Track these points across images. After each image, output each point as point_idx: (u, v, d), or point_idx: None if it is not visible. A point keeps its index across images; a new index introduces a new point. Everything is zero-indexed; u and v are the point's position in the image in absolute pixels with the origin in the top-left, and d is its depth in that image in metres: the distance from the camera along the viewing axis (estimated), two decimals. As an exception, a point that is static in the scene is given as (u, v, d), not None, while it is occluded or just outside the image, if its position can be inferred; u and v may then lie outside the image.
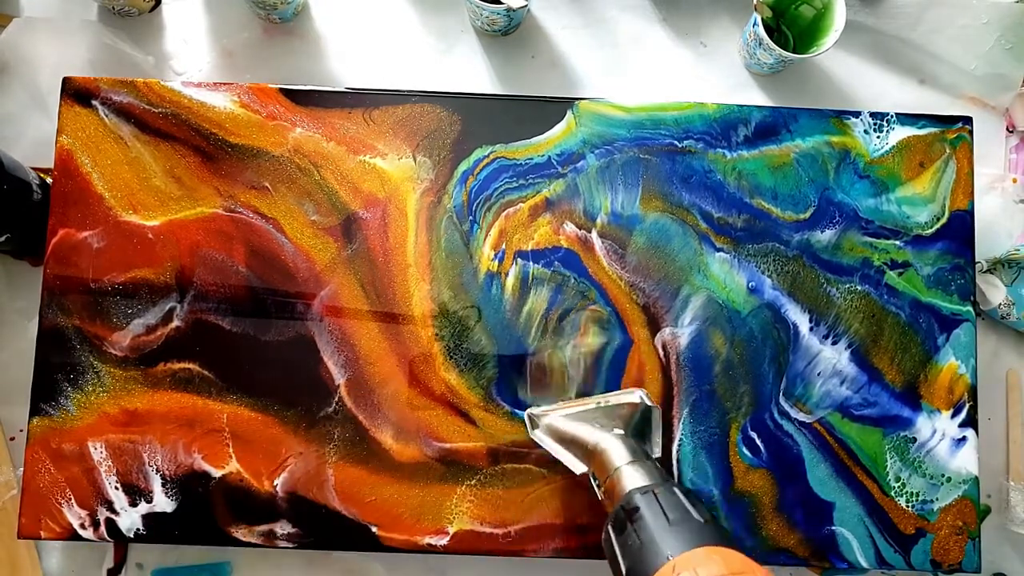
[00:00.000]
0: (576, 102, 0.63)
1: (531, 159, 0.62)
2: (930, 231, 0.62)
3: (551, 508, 0.59)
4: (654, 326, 0.61)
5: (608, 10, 0.72)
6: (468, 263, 0.61)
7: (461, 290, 0.60)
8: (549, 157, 0.62)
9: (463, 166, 0.62)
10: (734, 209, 0.62)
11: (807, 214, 0.62)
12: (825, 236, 0.62)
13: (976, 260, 0.64)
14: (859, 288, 0.61)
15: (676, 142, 0.62)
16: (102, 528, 0.58)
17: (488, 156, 0.62)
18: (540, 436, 0.57)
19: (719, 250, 0.61)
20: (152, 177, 0.61)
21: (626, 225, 0.61)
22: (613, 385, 0.60)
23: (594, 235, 0.61)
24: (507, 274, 0.61)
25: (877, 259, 0.62)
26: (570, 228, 0.61)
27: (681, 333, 0.61)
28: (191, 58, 0.70)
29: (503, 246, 0.61)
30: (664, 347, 0.60)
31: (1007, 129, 0.72)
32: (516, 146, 0.62)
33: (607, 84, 0.71)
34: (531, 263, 0.61)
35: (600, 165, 0.62)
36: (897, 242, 0.62)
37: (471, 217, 0.61)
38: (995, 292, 0.67)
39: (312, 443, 0.59)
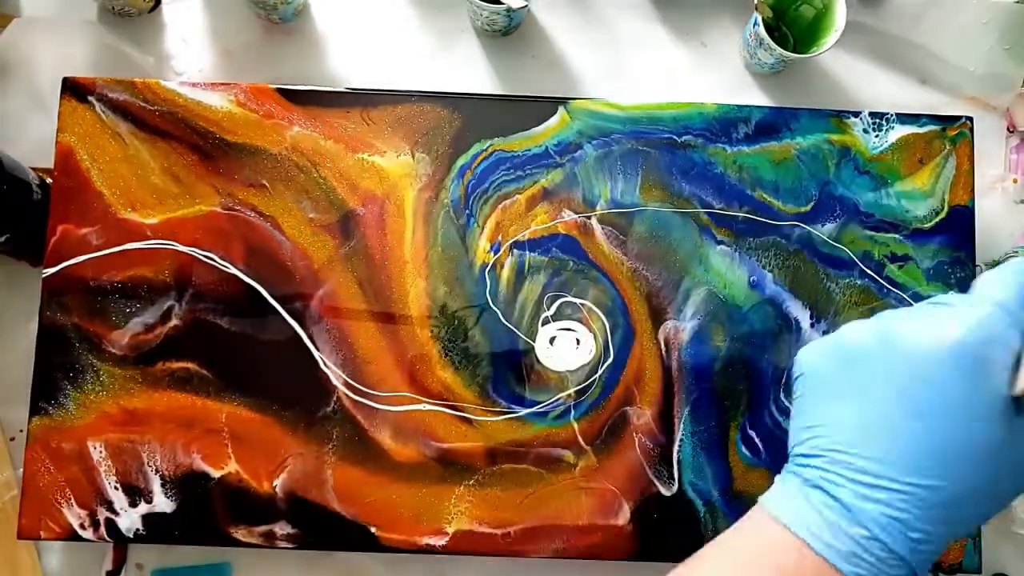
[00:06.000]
0: (569, 102, 0.63)
1: (528, 150, 0.62)
2: (928, 225, 0.62)
3: (550, 509, 0.59)
4: (657, 318, 0.60)
5: (608, 10, 0.72)
6: (464, 258, 0.61)
7: (456, 285, 0.60)
8: (546, 147, 0.62)
9: (461, 160, 0.62)
10: (735, 201, 0.62)
11: (808, 207, 0.62)
12: (826, 229, 0.62)
13: (976, 264, 0.63)
14: (859, 282, 0.61)
15: (675, 137, 0.62)
16: (102, 528, 0.58)
17: (486, 149, 0.62)
18: None
19: (720, 243, 0.61)
20: (150, 175, 0.61)
21: (627, 213, 0.61)
22: (611, 384, 0.60)
23: (594, 221, 0.61)
24: (503, 265, 0.61)
25: (877, 252, 0.61)
26: (568, 215, 0.61)
27: (683, 327, 0.60)
28: (191, 58, 0.70)
29: (499, 238, 0.61)
30: (666, 342, 0.60)
31: (1007, 129, 0.71)
32: (514, 138, 0.62)
33: (607, 84, 0.71)
34: (527, 252, 0.61)
35: (598, 155, 0.62)
36: (897, 235, 0.62)
37: (467, 211, 0.61)
38: (995, 295, 0.66)
39: (311, 443, 0.59)
